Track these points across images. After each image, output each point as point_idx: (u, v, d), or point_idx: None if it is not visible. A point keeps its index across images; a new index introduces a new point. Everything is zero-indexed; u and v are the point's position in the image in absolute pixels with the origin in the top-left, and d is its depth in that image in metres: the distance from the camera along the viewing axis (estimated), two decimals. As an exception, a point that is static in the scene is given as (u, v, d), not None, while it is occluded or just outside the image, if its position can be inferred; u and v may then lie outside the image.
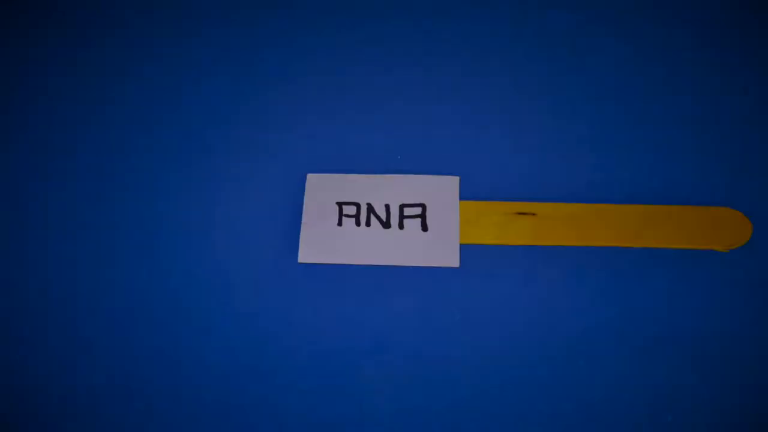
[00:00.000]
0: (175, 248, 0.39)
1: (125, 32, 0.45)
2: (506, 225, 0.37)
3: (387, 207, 0.38)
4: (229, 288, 0.38)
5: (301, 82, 0.43)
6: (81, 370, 0.37)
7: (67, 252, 0.39)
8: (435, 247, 0.37)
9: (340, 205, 0.38)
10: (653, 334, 0.36)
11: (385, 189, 0.38)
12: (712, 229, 0.36)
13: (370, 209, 0.38)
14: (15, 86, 0.44)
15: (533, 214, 0.37)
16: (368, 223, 0.37)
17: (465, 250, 0.37)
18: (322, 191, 0.38)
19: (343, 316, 0.37)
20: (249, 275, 0.38)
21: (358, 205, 0.38)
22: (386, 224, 0.37)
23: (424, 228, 0.37)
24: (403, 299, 0.37)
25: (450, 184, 0.38)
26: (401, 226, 0.37)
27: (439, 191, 0.38)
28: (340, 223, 0.37)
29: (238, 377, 0.36)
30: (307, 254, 0.37)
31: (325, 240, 0.37)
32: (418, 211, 0.38)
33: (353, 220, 0.37)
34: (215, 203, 0.40)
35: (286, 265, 0.38)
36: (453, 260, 0.36)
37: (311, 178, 0.39)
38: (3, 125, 0.43)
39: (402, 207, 0.38)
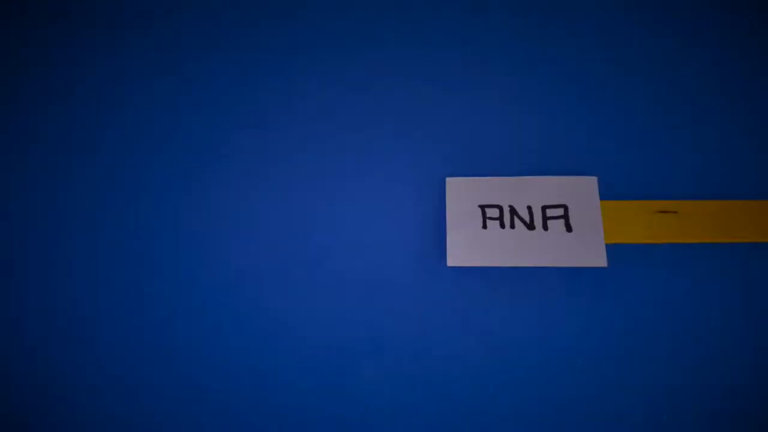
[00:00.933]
0: (176, 248, 0.39)
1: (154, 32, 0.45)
2: (651, 223, 0.37)
3: (529, 208, 0.38)
4: (230, 288, 0.38)
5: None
6: (81, 370, 0.36)
7: (66, 252, 0.39)
8: (581, 247, 0.37)
9: (482, 208, 0.38)
10: (653, 335, 0.37)
11: (524, 191, 0.39)
12: None
13: (513, 211, 0.38)
14: (17, 87, 0.43)
15: (674, 212, 0.38)
16: (512, 225, 0.38)
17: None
18: (463, 194, 0.38)
19: (344, 316, 0.37)
20: (250, 275, 0.38)
21: (500, 208, 0.38)
22: (530, 226, 0.38)
23: (569, 229, 0.37)
24: (403, 299, 0.37)
25: (589, 184, 0.39)
26: (545, 227, 0.38)
27: (579, 191, 0.38)
28: (485, 226, 0.38)
29: (238, 377, 0.36)
30: (455, 257, 0.37)
31: (471, 243, 0.37)
32: (560, 212, 0.38)
33: (497, 222, 0.38)
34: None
35: (292, 265, 0.38)
36: (600, 260, 0.37)
37: (451, 182, 0.39)
38: (3, 125, 0.42)
39: (544, 208, 0.38)
